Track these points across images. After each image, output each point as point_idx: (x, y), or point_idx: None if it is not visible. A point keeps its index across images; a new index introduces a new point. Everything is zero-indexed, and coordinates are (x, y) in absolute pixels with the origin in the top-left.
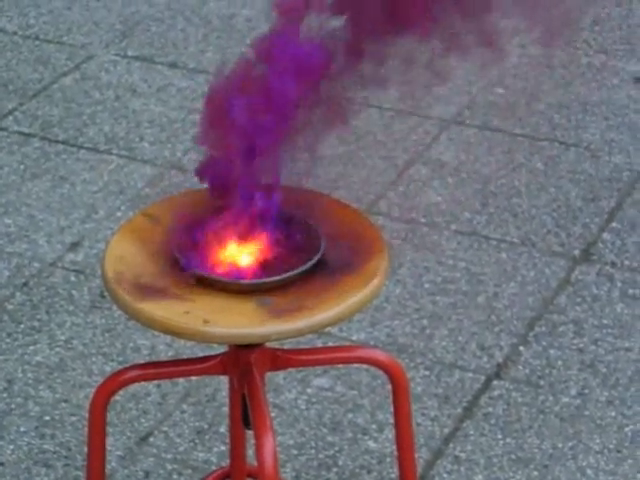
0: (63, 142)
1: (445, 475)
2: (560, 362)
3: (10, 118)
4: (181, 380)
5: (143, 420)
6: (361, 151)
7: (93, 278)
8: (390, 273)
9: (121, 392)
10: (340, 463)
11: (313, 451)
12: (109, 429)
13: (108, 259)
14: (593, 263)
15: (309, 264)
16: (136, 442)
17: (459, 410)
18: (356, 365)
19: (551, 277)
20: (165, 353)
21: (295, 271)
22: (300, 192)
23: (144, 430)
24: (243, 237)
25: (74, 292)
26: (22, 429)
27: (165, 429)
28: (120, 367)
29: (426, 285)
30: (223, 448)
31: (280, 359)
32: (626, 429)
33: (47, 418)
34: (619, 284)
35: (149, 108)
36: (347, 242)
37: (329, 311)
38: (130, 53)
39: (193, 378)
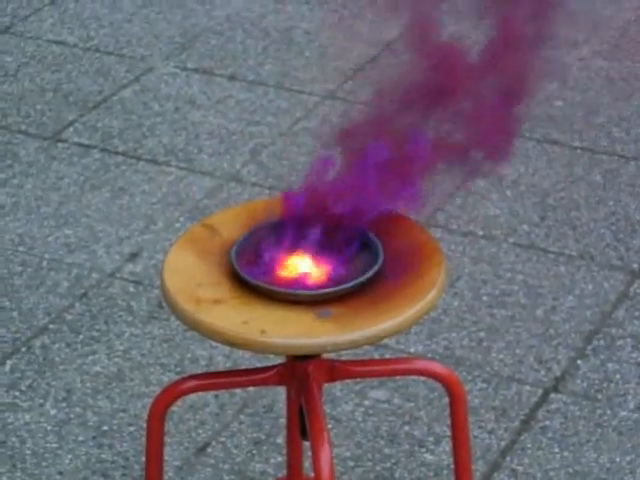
0: (122, 154)
1: None
2: (618, 376)
3: (70, 129)
4: (238, 391)
5: (201, 431)
6: None
7: (151, 289)
8: (448, 285)
9: (179, 402)
10: (397, 475)
11: (370, 463)
12: (167, 439)
13: (167, 270)
14: None
15: (367, 276)
16: (194, 453)
17: (516, 423)
18: (413, 377)
19: (609, 291)
20: (223, 364)
21: (353, 282)
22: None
23: (202, 441)
24: (302, 248)
25: (133, 303)
26: (80, 439)
27: (223, 440)
28: (178, 378)
29: (484, 298)
30: (280, 459)
31: (337, 370)
32: None
33: (105, 428)
34: None
35: (208, 120)
36: (405, 254)
37: (386, 323)
38: (189, 65)
39: (251, 389)
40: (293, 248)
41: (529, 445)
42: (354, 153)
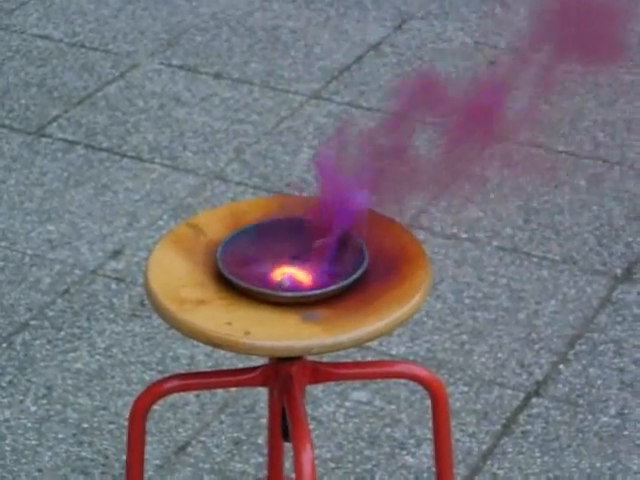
0: (107, 150)
1: None
2: (600, 381)
3: (54, 125)
4: (220, 390)
5: (181, 430)
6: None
7: (134, 286)
8: (431, 288)
9: (160, 401)
10: (377, 477)
11: (350, 465)
12: (147, 438)
13: (150, 268)
14: (635, 282)
15: (351, 278)
16: (174, 452)
17: (497, 427)
18: (395, 379)
19: (592, 295)
20: (204, 363)
21: (337, 285)
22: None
23: (182, 440)
24: (287, 250)
25: (115, 300)
26: (60, 436)
27: (203, 439)
28: (159, 376)
29: (467, 301)
30: (261, 459)
31: (320, 372)
32: None
33: (85, 425)
34: None
35: (193, 118)
36: (390, 256)
37: (372, 325)
38: (175, 62)
39: (232, 389)
40: (279, 250)
41: (510, 449)
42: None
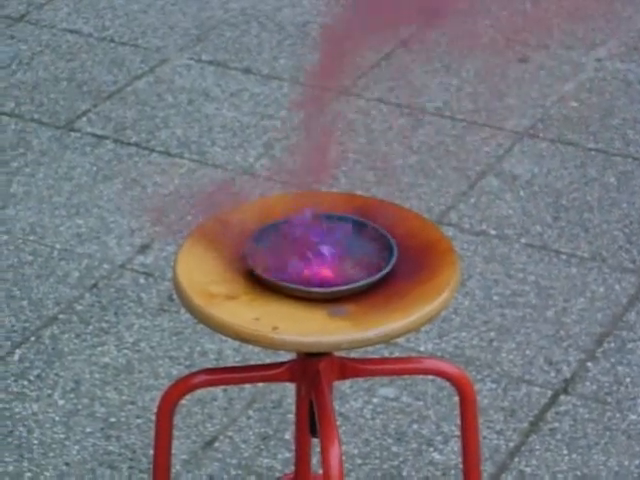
0: (135, 145)
1: None
2: (628, 379)
3: (84, 119)
4: (247, 385)
5: (209, 425)
6: (433, 162)
7: (162, 281)
8: (459, 285)
9: (187, 396)
10: (404, 474)
11: (377, 461)
12: (174, 433)
13: (179, 263)
14: None
15: (380, 274)
16: (201, 446)
17: (525, 424)
18: (422, 375)
19: (621, 293)
20: (232, 358)
21: (365, 281)
22: (373, 202)
23: (209, 435)
24: (315, 245)
25: (143, 294)
26: (88, 430)
27: (230, 434)
28: (187, 371)
29: (495, 298)
30: (288, 455)
31: (348, 368)
32: None
33: (113, 420)
34: None
35: (222, 113)
36: (418, 253)
37: (398, 321)
38: (204, 57)
39: (260, 384)
40: (307, 245)
41: (537, 447)
42: None
